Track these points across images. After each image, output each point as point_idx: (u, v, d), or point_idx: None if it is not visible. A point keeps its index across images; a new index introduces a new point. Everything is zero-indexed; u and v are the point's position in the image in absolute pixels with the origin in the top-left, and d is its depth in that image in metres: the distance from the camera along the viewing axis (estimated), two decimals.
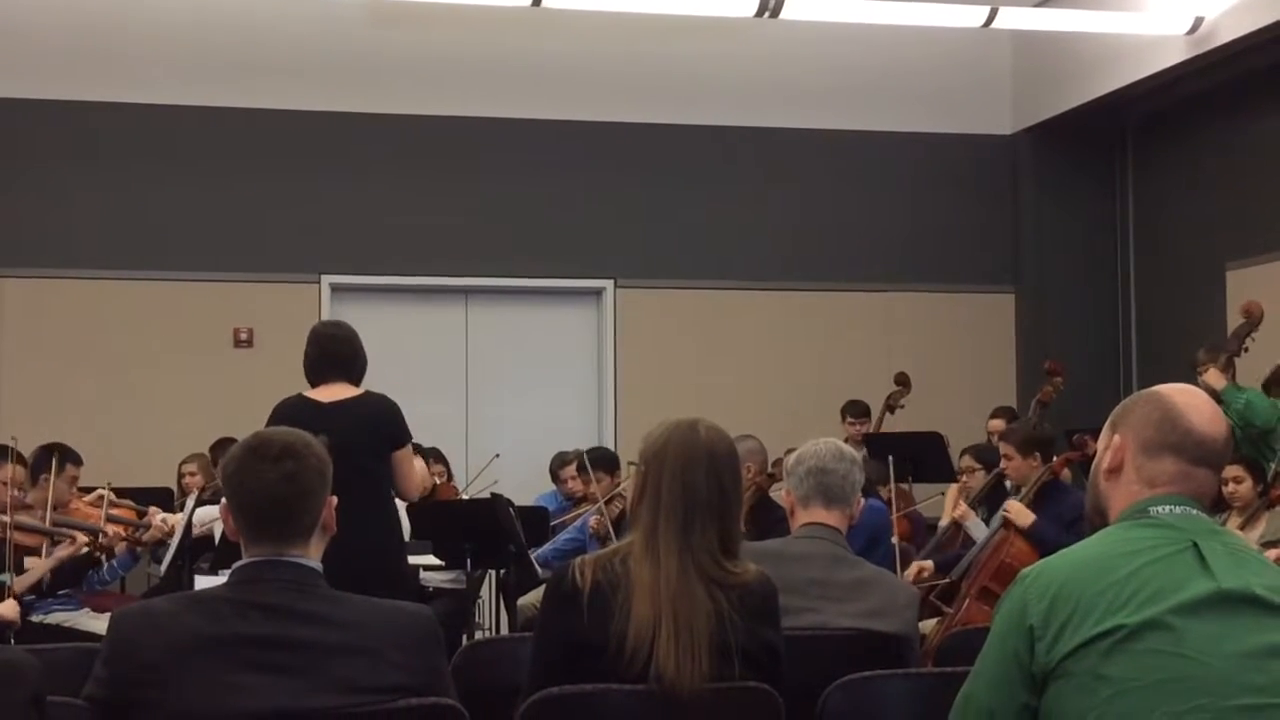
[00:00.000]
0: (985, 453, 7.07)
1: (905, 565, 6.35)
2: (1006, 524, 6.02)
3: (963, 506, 6.61)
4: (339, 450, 4.97)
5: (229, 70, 9.30)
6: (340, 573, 4.72)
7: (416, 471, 5.40)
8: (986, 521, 6.61)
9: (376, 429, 5.17)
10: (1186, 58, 8.52)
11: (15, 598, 5.49)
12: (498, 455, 8.40)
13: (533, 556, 6.85)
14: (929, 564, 6.19)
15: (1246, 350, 7.48)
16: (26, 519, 5.99)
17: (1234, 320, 8.00)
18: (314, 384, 5.26)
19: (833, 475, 3.64)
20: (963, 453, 7.27)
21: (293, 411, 5.07)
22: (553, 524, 7.59)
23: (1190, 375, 7.23)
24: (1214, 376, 7.26)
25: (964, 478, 6.98)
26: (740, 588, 2.85)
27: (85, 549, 6.00)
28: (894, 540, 6.32)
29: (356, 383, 5.27)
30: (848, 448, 3.76)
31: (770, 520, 5.78)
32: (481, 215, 9.63)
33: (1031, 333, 10.12)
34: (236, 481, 2.58)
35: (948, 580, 6.06)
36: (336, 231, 9.49)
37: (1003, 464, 6.42)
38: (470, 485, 8.33)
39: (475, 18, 9.34)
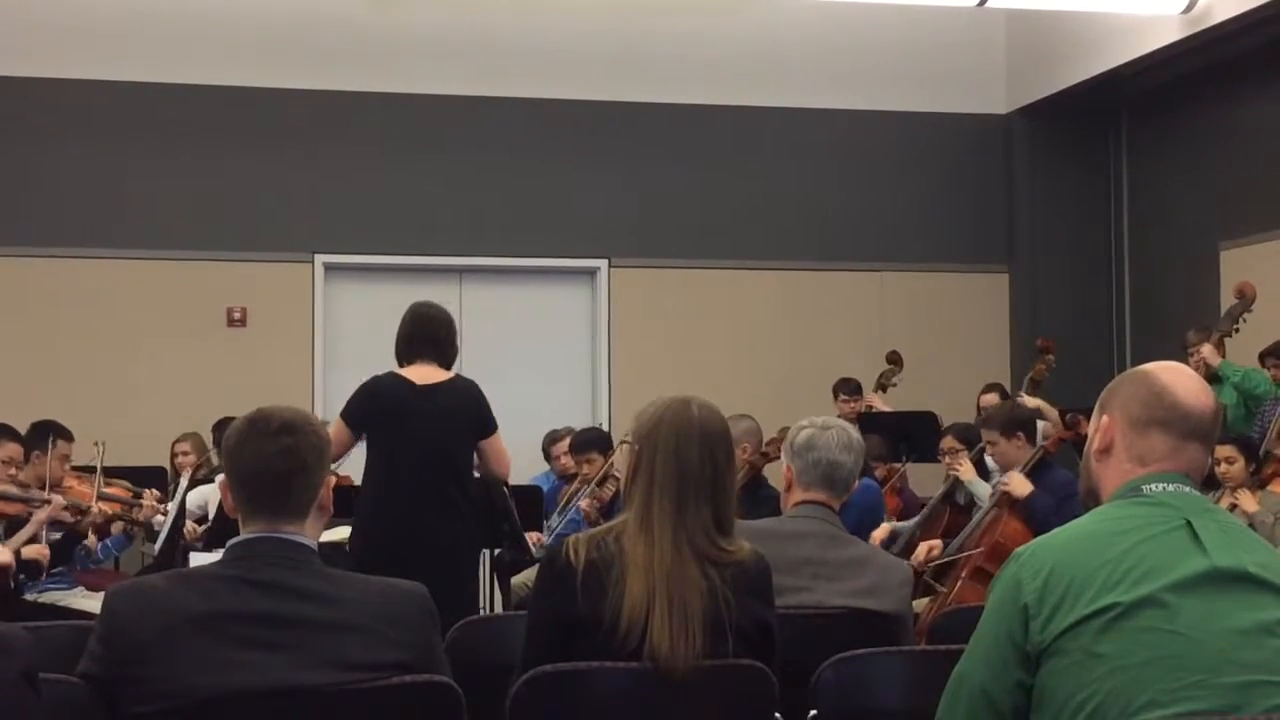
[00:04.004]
0: (967, 431, 7.06)
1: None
2: (1000, 502, 6.02)
3: (967, 467, 6.60)
4: (429, 433, 5.02)
5: (222, 47, 9.26)
6: (408, 553, 4.74)
7: (505, 452, 5.36)
8: (972, 503, 6.63)
9: (466, 416, 5.18)
10: (1181, 37, 8.50)
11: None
12: None
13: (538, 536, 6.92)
14: (937, 543, 6.19)
15: (1238, 330, 7.50)
16: (5, 488, 6.00)
17: (1228, 300, 8.01)
18: (404, 363, 5.24)
19: (841, 469, 3.61)
20: (944, 432, 7.25)
21: (390, 388, 5.09)
22: (558, 504, 7.62)
23: (1183, 356, 7.25)
24: (1210, 352, 7.31)
25: (946, 458, 6.98)
26: (734, 565, 2.86)
27: (65, 513, 6.00)
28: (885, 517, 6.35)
29: (447, 366, 5.26)
30: (856, 435, 3.73)
31: (760, 499, 5.79)
32: (475, 195, 9.61)
33: (1025, 312, 10.12)
34: (235, 454, 2.60)
35: (943, 559, 6.06)
36: (330, 211, 9.47)
37: (988, 449, 6.43)
38: None
39: None
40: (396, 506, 5.03)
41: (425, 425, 5.09)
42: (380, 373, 5.26)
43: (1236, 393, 7.26)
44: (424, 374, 5.17)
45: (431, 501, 5.06)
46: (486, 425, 5.21)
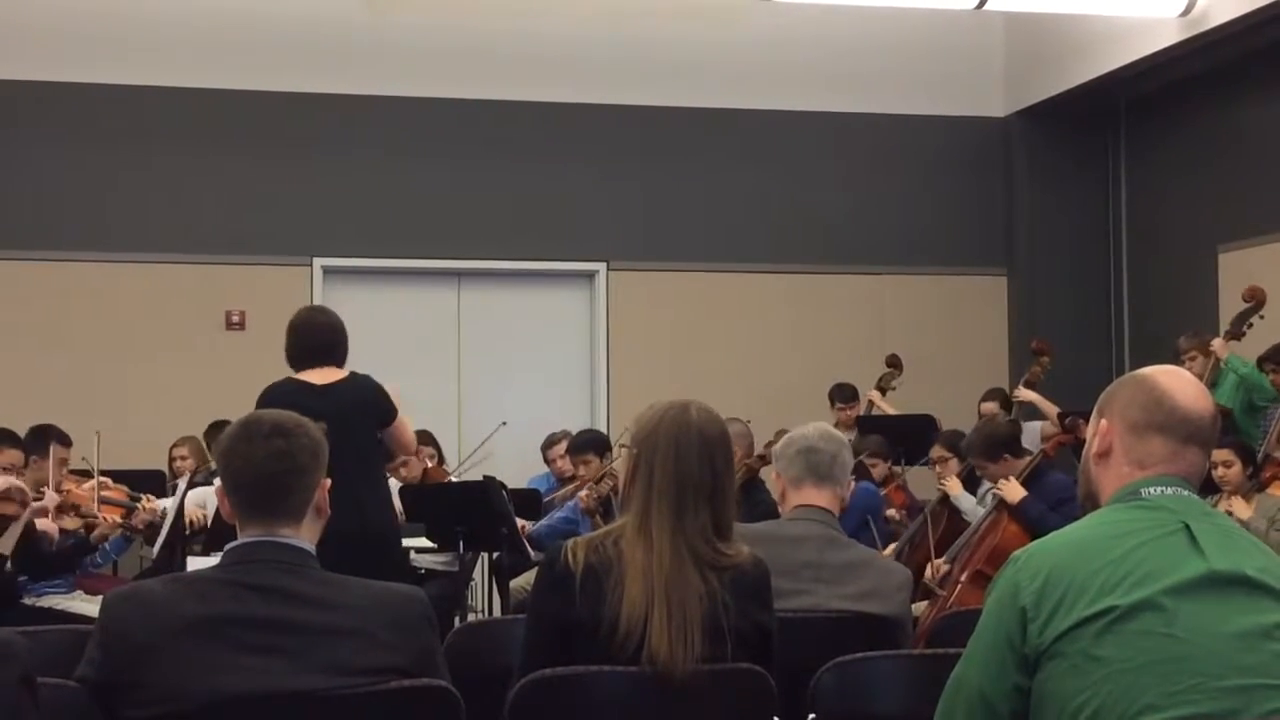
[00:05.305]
0: (956, 440, 7.05)
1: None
2: (999, 504, 6.02)
3: (953, 482, 6.61)
4: (336, 429, 5.03)
5: (220, 51, 9.27)
6: (333, 550, 4.73)
7: (409, 429, 5.54)
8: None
9: (369, 409, 5.25)
10: (1179, 40, 8.51)
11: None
12: (504, 423, 8.36)
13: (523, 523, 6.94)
14: (944, 564, 6.18)
15: (1244, 335, 7.49)
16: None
17: (1226, 302, 8.02)
18: (299, 369, 5.28)
19: (821, 455, 3.64)
20: (934, 441, 7.24)
21: (287, 396, 5.09)
22: (546, 500, 7.63)
23: (1178, 360, 7.25)
24: (1219, 345, 7.34)
25: (937, 467, 6.97)
26: (733, 569, 2.85)
27: (65, 516, 5.99)
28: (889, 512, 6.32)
29: (341, 365, 5.31)
30: (835, 430, 3.79)
31: (753, 503, 5.79)
32: (474, 198, 9.61)
33: (1024, 315, 10.12)
34: (229, 459, 2.60)
35: (947, 568, 6.06)
36: (329, 214, 9.47)
37: (979, 473, 6.45)
38: (473, 453, 8.26)
39: (468, 0, 9.31)
40: None
41: (326, 422, 5.10)
42: (278, 379, 5.31)
43: (1239, 378, 7.29)
44: (321, 375, 5.25)
45: (339, 492, 5.07)
46: (388, 414, 5.32)
